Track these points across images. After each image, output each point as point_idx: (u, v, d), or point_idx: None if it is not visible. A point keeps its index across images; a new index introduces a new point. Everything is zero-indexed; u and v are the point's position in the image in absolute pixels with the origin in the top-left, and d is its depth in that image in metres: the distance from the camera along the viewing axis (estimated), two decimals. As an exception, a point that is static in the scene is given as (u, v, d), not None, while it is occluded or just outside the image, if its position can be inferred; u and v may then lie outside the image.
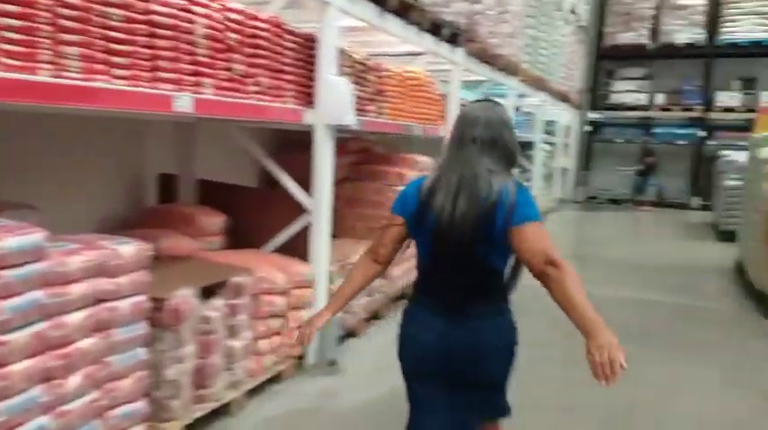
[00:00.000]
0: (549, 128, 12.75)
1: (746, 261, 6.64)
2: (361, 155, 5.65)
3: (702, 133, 14.58)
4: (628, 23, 14.68)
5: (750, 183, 7.23)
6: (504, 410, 2.12)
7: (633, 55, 15.00)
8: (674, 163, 15.17)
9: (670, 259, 8.39)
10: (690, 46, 14.31)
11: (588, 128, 15.60)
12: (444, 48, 5.60)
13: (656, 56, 14.86)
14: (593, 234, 11.22)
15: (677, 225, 12.05)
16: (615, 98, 15.28)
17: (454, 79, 6.09)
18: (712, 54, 14.31)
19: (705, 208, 13.63)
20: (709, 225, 11.43)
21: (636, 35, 14.59)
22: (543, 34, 9.37)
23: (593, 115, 15.44)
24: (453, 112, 6.20)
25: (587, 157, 15.74)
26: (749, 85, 14.55)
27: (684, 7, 14.31)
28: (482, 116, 1.99)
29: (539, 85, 9.59)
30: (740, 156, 10.25)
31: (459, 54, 5.95)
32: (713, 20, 14.21)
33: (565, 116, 13.80)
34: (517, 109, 10.88)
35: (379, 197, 5.17)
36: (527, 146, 10.91)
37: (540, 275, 1.79)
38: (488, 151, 1.95)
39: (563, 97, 12.24)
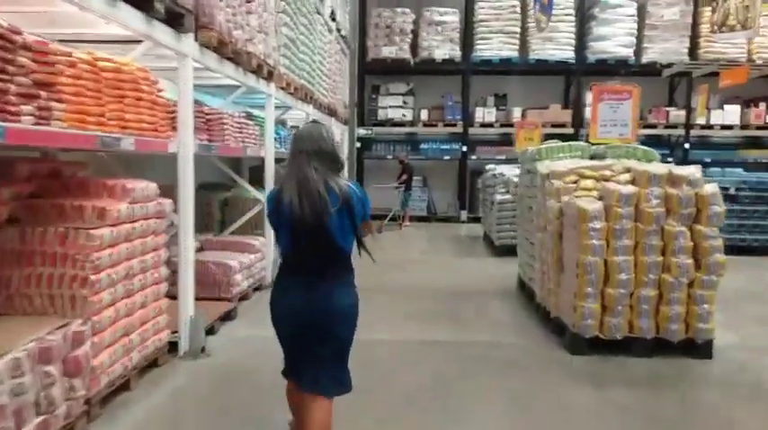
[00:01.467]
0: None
1: (534, 283, 6.08)
2: (45, 183, 3.84)
3: (464, 148, 14.82)
4: (389, 37, 14.39)
5: (526, 198, 6.79)
6: (345, 386, 2.80)
7: (396, 70, 14.79)
8: (442, 178, 15.35)
9: (452, 281, 7.70)
10: (448, 62, 14.44)
11: (357, 144, 15.01)
12: (163, 31, 4.04)
13: (418, 71, 14.81)
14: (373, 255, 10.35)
15: (451, 240, 11.77)
16: (382, 114, 14.93)
17: (185, 77, 4.52)
18: (469, 70, 14.63)
19: (473, 220, 13.81)
20: (480, 239, 11.30)
21: (398, 49, 14.37)
22: (302, 37, 8.21)
23: (361, 131, 14.88)
24: (188, 120, 4.66)
25: (359, 175, 15.12)
26: (502, 100, 15.23)
27: (441, 23, 14.43)
28: (305, 133, 2.77)
29: (302, 95, 8.40)
30: (506, 170, 10.23)
31: (187, 43, 4.42)
32: (467, 37, 14.54)
33: (334, 132, 12.90)
34: (282, 123, 9.60)
35: (66, 247, 3.41)
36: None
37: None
38: (315, 158, 2.68)
39: (330, 111, 11.25)
